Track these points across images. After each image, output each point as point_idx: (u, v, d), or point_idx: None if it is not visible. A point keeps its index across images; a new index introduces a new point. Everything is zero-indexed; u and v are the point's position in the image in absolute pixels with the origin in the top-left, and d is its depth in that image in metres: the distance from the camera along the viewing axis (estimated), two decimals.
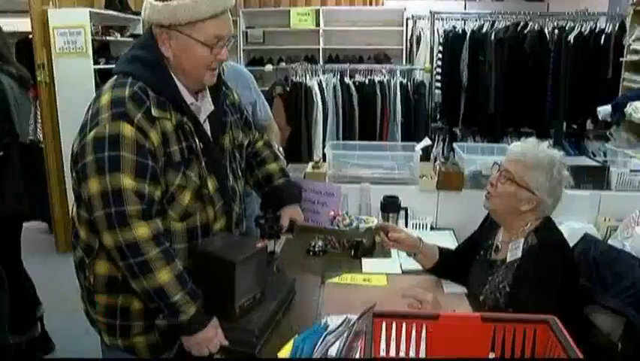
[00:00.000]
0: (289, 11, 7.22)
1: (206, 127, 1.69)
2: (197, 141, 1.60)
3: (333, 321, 1.30)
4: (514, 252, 1.79)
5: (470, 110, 4.67)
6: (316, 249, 2.41)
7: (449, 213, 2.75)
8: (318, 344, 1.19)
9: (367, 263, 2.30)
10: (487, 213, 2.03)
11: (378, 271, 2.19)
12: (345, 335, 1.08)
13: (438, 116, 4.82)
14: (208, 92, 1.72)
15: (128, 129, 1.45)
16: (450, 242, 2.55)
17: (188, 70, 1.59)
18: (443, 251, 2.13)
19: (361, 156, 2.88)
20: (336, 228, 2.38)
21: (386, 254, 2.43)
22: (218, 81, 1.74)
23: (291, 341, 1.42)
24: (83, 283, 1.65)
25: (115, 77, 1.58)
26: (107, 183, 1.43)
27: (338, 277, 2.11)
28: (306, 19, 7.13)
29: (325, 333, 1.18)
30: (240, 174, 1.86)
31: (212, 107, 1.71)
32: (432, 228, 2.71)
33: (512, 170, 1.82)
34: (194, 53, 1.55)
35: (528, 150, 1.84)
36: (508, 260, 1.81)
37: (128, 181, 1.44)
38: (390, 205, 2.54)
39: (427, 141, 2.99)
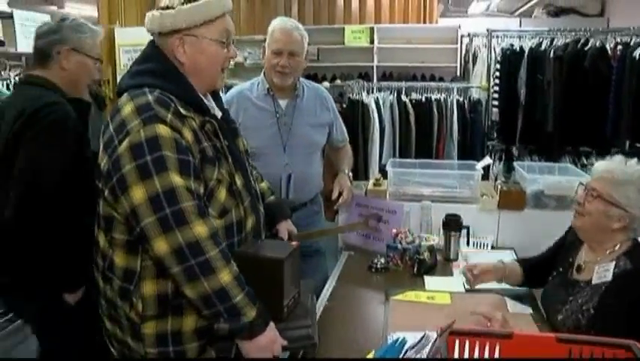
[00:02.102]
0: (343, 29, 7.29)
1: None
2: (221, 139, 1.62)
3: (408, 338, 1.32)
4: (602, 274, 1.76)
5: (528, 129, 4.60)
6: (378, 266, 2.44)
7: (510, 232, 2.74)
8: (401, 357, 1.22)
9: (430, 281, 2.32)
10: (566, 230, 2.03)
11: (441, 289, 2.20)
12: (426, 350, 1.11)
13: (494, 135, 4.78)
14: (210, 98, 1.75)
15: (163, 129, 1.45)
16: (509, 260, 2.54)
17: (204, 71, 1.63)
18: (525, 263, 2.16)
19: (422, 174, 2.90)
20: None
21: (448, 272, 2.45)
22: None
23: (371, 354, 1.44)
24: (127, 315, 1.54)
25: (125, 93, 1.56)
26: (155, 185, 1.40)
27: (402, 294, 2.14)
28: (360, 36, 7.19)
29: (406, 348, 1.21)
30: (254, 177, 1.88)
31: (221, 113, 1.75)
32: (492, 247, 2.70)
33: (599, 187, 1.81)
34: (210, 52, 1.61)
35: (615, 166, 1.83)
36: (594, 282, 1.77)
37: (177, 179, 1.42)
38: (452, 224, 2.55)
39: (487, 160, 2.99)
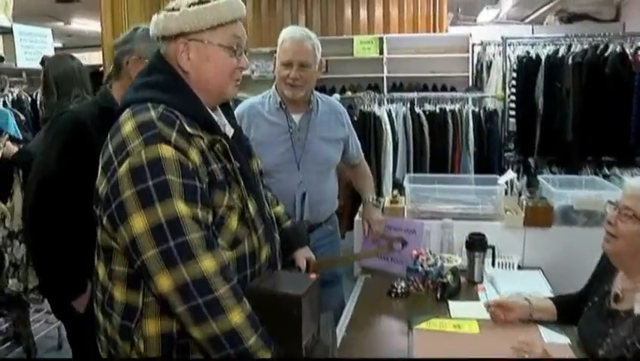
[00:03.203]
0: (352, 39, 7.19)
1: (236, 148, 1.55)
2: (232, 160, 1.45)
3: None
4: None
5: (546, 139, 4.44)
6: (398, 290, 2.29)
7: (537, 251, 2.59)
8: None
9: (455, 306, 2.16)
10: (601, 254, 1.86)
11: (468, 316, 2.04)
12: None
13: (512, 146, 4.62)
14: (221, 112, 1.60)
15: (167, 150, 1.30)
16: (539, 283, 2.40)
17: (211, 80, 1.48)
18: (558, 301, 1.98)
19: (441, 190, 2.75)
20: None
21: (473, 296, 2.29)
22: (227, 103, 1.63)
23: None
24: (128, 355, 1.39)
25: (127, 109, 1.41)
26: (158, 214, 1.25)
27: (426, 323, 1.99)
28: (370, 47, 7.08)
29: None
30: (269, 200, 1.74)
31: (233, 129, 1.59)
32: (519, 267, 2.54)
33: (633, 206, 1.64)
34: (217, 60, 1.46)
35: None
36: (636, 312, 1.60)
37: (182, 207, 1.27)
38: (477, 244, 2.39)
39: (510, 174, 2.83)
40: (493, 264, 2.47)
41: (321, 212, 2.48)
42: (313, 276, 1.49)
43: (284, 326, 1.37)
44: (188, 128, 1.37)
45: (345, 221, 3.73)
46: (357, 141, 2.67)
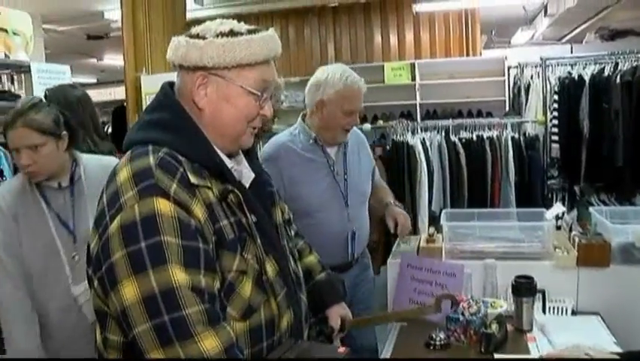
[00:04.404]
0: (383, 66, 7.05)
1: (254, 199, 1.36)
2: (247, 213, 1.26)
3: None
4: None
5: (594, 165, 4.19)
6: (437, 342, 2.04)
7: (594, 294, 2.30)
8: None
9: None
10: None
11: None
12: None
13: (555, 173, 4.36)
14: (242, 155, 1.41)
15: (165, 205, 1.12)
16: (598, 330, 2.12)
17: (227, 126, 1.28)
18: (627, 359, 1.71)
19: (482, 228, 2.51)
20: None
21: (522, 347, 2.03)
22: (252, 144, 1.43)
23: None
24: None
25: (128, 152, 1.26)
26: (151, 283, 1.08)
27: None
28: (401, 73, 6.92)
29: None
30: (297, 256, 1.53)
31: (253, 175, 1.40)
32: (573, 312, 2.26)
33: None
34: (238, 103, 1.27)
35: None
36: None
37: (180, 275, 1.09)
38: (524, 288, 2.13)
39: (559, 207, 2.57)
40: (544, 310, 2.20)
41: (362, 247, 2.44)
42: (342, 350, 1.26)
43: None
44: (193, 178, 1.19)
45: (379, 256, 3.58)
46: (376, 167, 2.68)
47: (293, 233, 1.67)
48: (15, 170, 2.97)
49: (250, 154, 1.44)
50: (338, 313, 1.66)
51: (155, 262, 1.09)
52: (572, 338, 1.92)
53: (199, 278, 1.12)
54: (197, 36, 1.25)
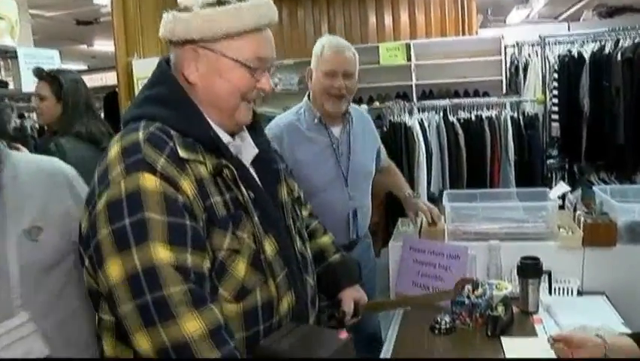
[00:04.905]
0: (378, 47, 6.92)
1: (253, 175, 1.32)
2: (243, 189, 1.20)
3: None
4: None
5: (594, 143, 4.15)
6: (442, 326, 1.99)
7: (599, 274, 2.26)
8: None
9: (510, 344, 1.86)
10: None
11: (527, 357, 1.74)
12: None
13: (556, 152, 4.31)
14: (246, 132, 1.36)
15: (150, 181, 1.08)
16: (605, 311, 2.08)
17: (221, 100, 1.23)
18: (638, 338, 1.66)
19: (485, 208, 2.45)
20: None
21: (529, 330, 1.99)
22: (255, 119, 1.37)
23: None
24: None
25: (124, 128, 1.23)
26: (134, 261, 1.04)
27: None
28: (397, 54, 6.81)
29: None
30: (306, 236, 1.47)
31: (256, 150, 1.35)
32: (579, 292, 2.22)
33: None
34: (230, 77, 1.22)
35: None
36: None
37: (162, 253, 1.05)
38: (530, 269, 2.08)
39: (563, 187, 2.52)
40: (550, 291, 2.16)
41: (364, 226, 2.41)
42: (344, 336, 1.19)
43: None
44: (183, 152, 1.14)
45: (380, 238, 3.55)
46: (383, 146, 2.65)
47: (306, 213, 1.62)
48: None
49: (256, 129, 1.39)
50: (351, 297, 1.60)
51: (138, 239, 1.04)
52: (579, 318, 1.89)
53: (185, 256, 1.07)
54: (185, 9, 1.20)
